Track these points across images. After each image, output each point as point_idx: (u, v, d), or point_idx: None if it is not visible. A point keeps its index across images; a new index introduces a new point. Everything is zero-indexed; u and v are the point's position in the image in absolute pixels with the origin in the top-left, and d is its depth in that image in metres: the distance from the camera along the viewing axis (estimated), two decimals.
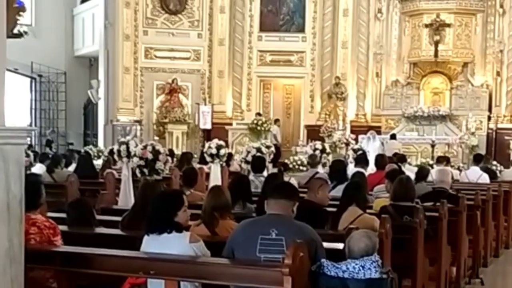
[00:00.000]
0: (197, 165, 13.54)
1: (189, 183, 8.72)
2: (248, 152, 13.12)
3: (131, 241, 5.09)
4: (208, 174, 12.87)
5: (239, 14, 24.25)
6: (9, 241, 3.65)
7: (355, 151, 17.85)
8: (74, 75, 26.03)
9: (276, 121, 23.54)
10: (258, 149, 13.13)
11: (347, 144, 20.62)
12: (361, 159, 11.70)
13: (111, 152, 10.89)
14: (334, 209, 6.55)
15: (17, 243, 3.71)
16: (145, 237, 4.85)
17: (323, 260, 4.40)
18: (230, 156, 13.99)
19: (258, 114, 23.16)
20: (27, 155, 12.95)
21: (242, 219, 5.10)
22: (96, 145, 22.60)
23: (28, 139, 3.79)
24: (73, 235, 5.43)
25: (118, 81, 23.70)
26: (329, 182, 8.54)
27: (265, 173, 10.63)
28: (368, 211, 6.71)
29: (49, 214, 5.70)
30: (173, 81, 23.76)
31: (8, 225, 3.62)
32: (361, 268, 4.31)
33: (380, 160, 11.36)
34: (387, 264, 4.85)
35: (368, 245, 4.44)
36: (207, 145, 13.30)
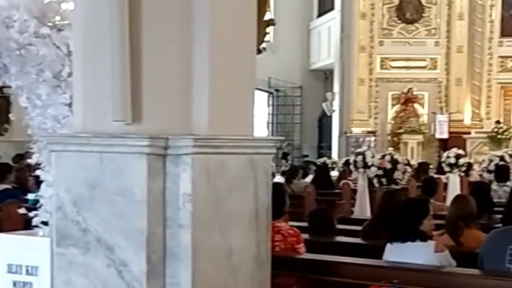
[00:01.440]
0: (434, 175, 13.24)
1: (428, 193, 8.55)
2: (491, 161, 12.63)
3: (371, 250, 5.09)
4: (445, 184, 12.56)
5: (479, 20, 23.42)
6: (257, 247, 3.76)
7: None
8: (309, 88, 26.59)
9: None
10: (501, 158, 12.60)
11: None
12: None
13: (346, 163, 11.02)
14: None
15: (264, 249, 3.81)
16: (388, 246, 4.82)
17: None
18: (469, 165, 13.54)
19: (498, 122, 22.22)
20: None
21: (488, 229, 4.92)
22: (330, 157, 22.90)
23: (274, 150, 3.89)
24: (314, 243, 5.54)
25: (352, 93, 23.86)
26: None
27: (509, 183, 10.15)
28: None
29: (289, 223, 5.85)
30: (408, 91, 23.46)
31: (257, 232, 3.74)
32: None
33: None
34: None
35: None
36: (445, 154, 12.99)
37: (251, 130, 3.77)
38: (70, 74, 4.05)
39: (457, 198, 6.09)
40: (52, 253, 3.73)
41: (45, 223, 4.36)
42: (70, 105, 4.08)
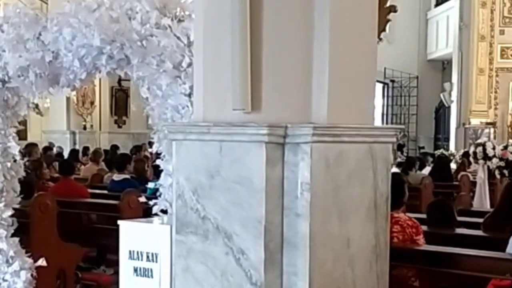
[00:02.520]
0: None
1: None
2: None
3: (494, 243, 4.95)
4: None
5: None
6: (376, 237, 3.71)
7: None
8: (426, 79, 26.10)
9: None
10: None
11: None
12: None
13: (465, 154, 10.75)
14: None
15: (383, 240, 3.75)
16: None
17: None
18: None
19: None
20: None
21: None
22: (447, 149, 22.38)
23: (394, 139, 3.82)
24: (433, 234, 5.42)
25: (471, 83, 23.24)
26: None
27: None
28: None
29: (408, 214, 5.75)
30: None
31: (375, 222, 3.68)
32: None
33: None
34: None
35: None
36: None
37: (371, 119, 3.72)
38: (189, 65, 4.11)
39: None
40: (171, 240, 3.80)
41: (164, 211, 4.46)
42: (189, 95, 4.15)
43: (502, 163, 9.36)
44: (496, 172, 9.47)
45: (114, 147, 16.33)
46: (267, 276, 3.38)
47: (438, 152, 19.86)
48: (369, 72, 3.71)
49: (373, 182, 3.64)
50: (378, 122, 25.81)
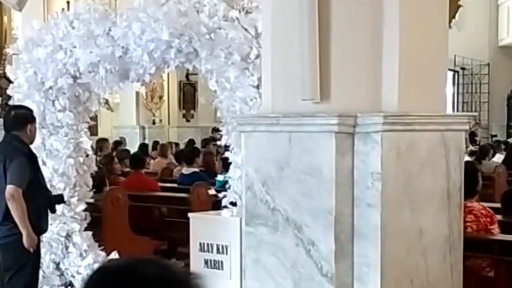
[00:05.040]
0: None
1: None
2: None
3: None
4: None
5: None
6: (449, 227, 3.65)
7: None
8: (498, 66, 25.53)
9: None
10: None
11: None
12: None
13: None
14: None
15: (456, 230, 3.69)
16: None
17: None
18: None
19: None
20: None
21: None
22: None
23: (467, 126, 3.74)
24: (508, 224, 5.29)
25: None
26: None
27: None
28: None
29: (482, 203, 5.63)
30: None
31: (449, 212, 3.62)
32: None
33: None
34: None
35: None
36: None
37: (443, 106, 3.66)
38: (257, 56, 4.11)
39: None
40: (241, 232, 3.81)
41: (233, 204, 4.48)
42: (257, 87, 4.15)
43: None
44: None
45: (191, 142, 16.46)
46: (338, 267, 3.37)
47: (511, 140, 19.44)
48: (440, 60, 3.65)
49: (446, 171, 3.58)
50: (449, 110, 25.38)
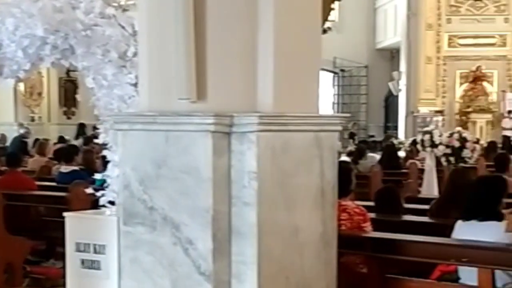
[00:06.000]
0: None
1: (500, 169, 8.47)
2: None
3: (440, 228, 5.02)
4: None
5: None
6: (324, 225, 3.73)
7: None
8: (375, 68, 26.34)
9: None
10: None
11: None
12: None
13: (414, 142, 10.88)
14: None
15: (330, 228, 3.78)
16: (459, 223, 4.74)
17: None
18: None
19: None
20: None
21: None
22: (396, 137, 22.62)
23: (340, 127, 3.85)
24: (381, 221, 5.48)
25: (419, 72, 23.48)
26: None
27: None
28: None
29: (356, 202, 5.80)
30: (477, 69, 22.96)
31: (323, 210, 3.71)
32: None
33: None
34: None
35: None
36: None
37: (317, 107, 3.74)
38: (135, 54, 4.08)
39: None
40: (119, 232, 3.78)
41: (112, 203, 4.42)
42: (135, 85, 4.12)
43: (449, 151, 9.52)
44: (443, 159, 9.63)
45: (62, 139, 16.15)
46: (215, 265, 3.39)
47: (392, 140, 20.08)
48: (313, 61, 3.72)
49: (320, 170, 3.66)
50: (328, 111, 25.97)
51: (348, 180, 5.08)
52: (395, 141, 20.18)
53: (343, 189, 4.79)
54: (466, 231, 4.63)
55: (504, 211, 4.97)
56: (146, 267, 3.57)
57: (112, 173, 4.43)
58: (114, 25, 4.13)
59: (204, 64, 3.39)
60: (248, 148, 3.35)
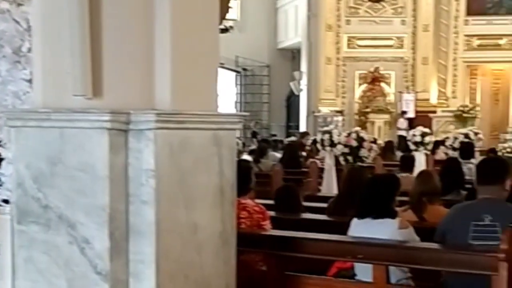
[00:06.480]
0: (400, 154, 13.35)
1: (406, 169, 8.98)
2: (456, 138, 12.77)
3: (337, 226, 5.10)
4: None
5: None
6: (223, 223, 3.74)
7: None
8: (277, 67, 26.59)
9: None
10: (466, 135, 12.76)
11: None
12: None
13: (314, 142, 11.05)
14: None
15: (229, 226, 3.80)
16: (354, 221, 4.84)
17: None
18: (437, 144, 13.66)
19: None
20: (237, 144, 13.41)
21: (453, 205, 4.95)
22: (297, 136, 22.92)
23: (240, 125, 3.87)
24: (280, 220, 5.54)
25: (320, 72, 23.87)
26: None
27: (473, 160, 10.27)
28: None
29: (256, 201, 5.85)
30: (375, 70, 23.53)
31: (222, 209, 3.72)
32: None
33: None
34: None
35: None
36: (411, 132, 13.11)
37: (215, 105, 3.74)
38: (30, 50, 3.98)
39: (421, 174, 6.15)
40: (13, 231, 3.68)
41: (6, 201, 4.30)
42: (30, 81, 4.02)
43: (347, 150, 9.72)
44: (341, 158, 9.83)
45: None
46: (112, 265, 3.35)
47: (293, 138, 20.32)
48: (212, 59, 3.72)
49: (219, 168, 3.67)
50: (231, 110, 26.06)
51: (247, 179, 5.12)
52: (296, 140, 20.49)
53: (243, 188, 4.83)
54: (361, 228, 4.74)
55: (397, 208, 5.12)
56: (41, 267, 3.49)
57: (6, 171, 4.31)
58: (8, 20, 4.02)
59: (99, 60, 3.34)
60: (145, 146, 3.32)
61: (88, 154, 3.32)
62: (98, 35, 3.34)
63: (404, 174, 8.65)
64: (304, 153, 14.29)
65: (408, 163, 9.48)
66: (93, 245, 3.35)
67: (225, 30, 21.34)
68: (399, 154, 13.85)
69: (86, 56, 3.27)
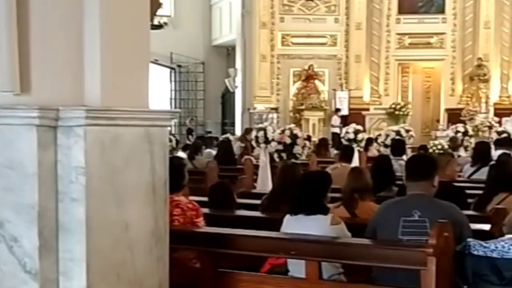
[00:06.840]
0: (334, 151, 13.49)
1: (346, 159, 9.31)
2: (387, 135, 12.96)
3: (271, 223, 5.12)
4: None
5: None
6: (155, 221, 3.73)
7: (499, 133, 17.20)
8: (212, 64, 26.52)
9: None
10: (398, 132, 12.96)
11: (490, 127, 19.93)
12: (505, 141, 11.30)
13: (256, 138, 11.07)
14: (477, 192, 6.34)
15: (162, 223, 3.78)
16: (287, 217, 4.86)
17: (469, 239, 4.22)
18: (369, 141, 13.85)
19: None
20: (170, 141, 13.34)
21: (383, 201, 5.02)
22: (233, 133, 22.94)
23: (173, 121, 3.86)
24: (214, 217, 5.53)
25: (254, 69, 23.90)
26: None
27: (404, 157, 10.44)
28: None
29: (191, 198, 5.82)
30: (309, 68, 23.68)
31: (154, 206, 3.70)
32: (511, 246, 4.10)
33: None
34: None
35: None
36: (344, 130, 13.26)
37: (146, 102, 3.72)
38: None
39: (352, 170, 6.22)
40: None
41: None
42: None
43: (281, 147, 9.77)
44: (275, 155, 9.87)
45: None
46: (42, 263, 3.32)
47: (228, 135, 20.31)
48: (142, 55, 3.71)
49: (151, 165, 3.65)
50: (166, 107, 25.87)
51: (180, 176, 5.09)
52: (231, 137, 20.51)
53: (176, 185, 4.80)
54: (294, 225, 4.76)
55: (329, 205, 5.16)
56: None
57: None
58: None
59: (27, 55, 3.30)
60: (75, 143, 3.29)
61: (16, 151, 3.27)
62: (26, 31, 3.29)
63: (344, 164, 8.81)
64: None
65: (348, 153, 9.70)
66: (21, 243, 3.31)
67: (159, 27, 21.20)
68: (333, 151, 14.02)
69: (13, 52, 3.21)
